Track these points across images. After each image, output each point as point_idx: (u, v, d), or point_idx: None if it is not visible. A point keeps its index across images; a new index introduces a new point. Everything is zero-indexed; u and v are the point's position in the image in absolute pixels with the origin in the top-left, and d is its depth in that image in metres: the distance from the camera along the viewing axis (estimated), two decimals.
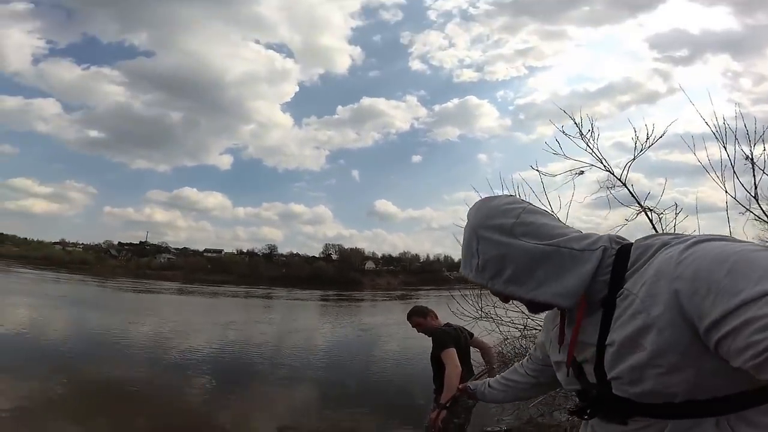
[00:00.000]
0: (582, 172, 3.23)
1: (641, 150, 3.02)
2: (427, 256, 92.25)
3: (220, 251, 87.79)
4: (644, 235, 0.71)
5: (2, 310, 11.09)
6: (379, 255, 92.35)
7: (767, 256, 0.53)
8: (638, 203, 3.01)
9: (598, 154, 3.09)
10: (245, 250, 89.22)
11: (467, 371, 2.87)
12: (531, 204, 0.79)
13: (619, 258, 0.69)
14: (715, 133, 2.63)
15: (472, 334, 3.16)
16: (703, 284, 0.55)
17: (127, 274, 56.70)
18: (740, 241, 0.58)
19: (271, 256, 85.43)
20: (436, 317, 3.05)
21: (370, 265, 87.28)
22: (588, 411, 0.75)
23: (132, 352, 8.50)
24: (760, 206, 2.59)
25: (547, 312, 0.91)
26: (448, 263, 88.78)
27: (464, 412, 2.77)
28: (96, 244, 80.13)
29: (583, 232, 0.75)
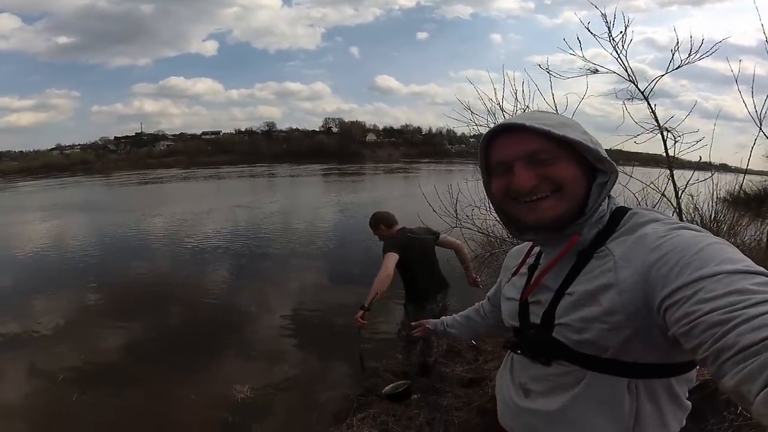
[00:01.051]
0: (596, 71, 2.89)
1: (676, 66, 2.63)
2: (430, 129, 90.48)
3: (218, 132, 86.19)
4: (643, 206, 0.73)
5: (19, 232, 11.07)
6: (381, 128, 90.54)
7: (734, 250, 0.57)
8: (657, 124, 2.71)
9: (625, 63, 2.67)
10: (243, 129, 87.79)
11: (430, 275, 2.93)
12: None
13: (613, 218, 0.72)
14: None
15: (437, 235, 3.05)
16: (673, 258, 0.58)
17: (129, 166, 56.41)
18: (717, 237, 0.62)
19: (270, 133, 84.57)
20: (389, 226, 2.98)
21: (371, 137, 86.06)
22: (522, 348, 0.79)
23: (151, 247, 8.81)
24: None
25: (516, 247, 0.97)
26: (450, 136, 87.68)
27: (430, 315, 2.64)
28: (92, 143, 78.79)
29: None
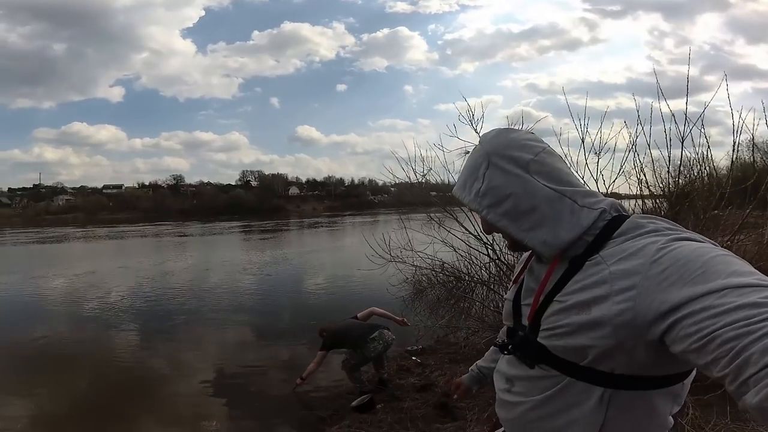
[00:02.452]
0: (467, 152, 4.03)
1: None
2: (352, 179, 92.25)
3: (120, 186, 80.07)
4: (643, 214, 0.73)
5: None
6: (304, 180, 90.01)
7: (741, 262, 0.56)
8: None
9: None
10: (147, 183, 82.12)
11: (359, 329, 3.87)
12: (550, 146, 0.78)
13: (610, 225, 0.70)
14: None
15: (355, 316, 4.16)
16: (675, 272, 0.57)
17: (25, 222, 49.52)
18: (721, 247, 0.61)
19: (177, 186, 79.28)
20: (328, 330, 4.03)
21: (294, 190, 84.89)
22: (509, 348, 0.80)
23: (51, 311, 7.88)
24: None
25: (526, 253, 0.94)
26: (372, 186, 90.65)
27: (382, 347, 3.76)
28: None
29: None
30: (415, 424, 2.81)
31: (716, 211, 3.22)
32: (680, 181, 3.43)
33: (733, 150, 3.00)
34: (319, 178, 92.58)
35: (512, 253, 5.09)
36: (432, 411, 3.00)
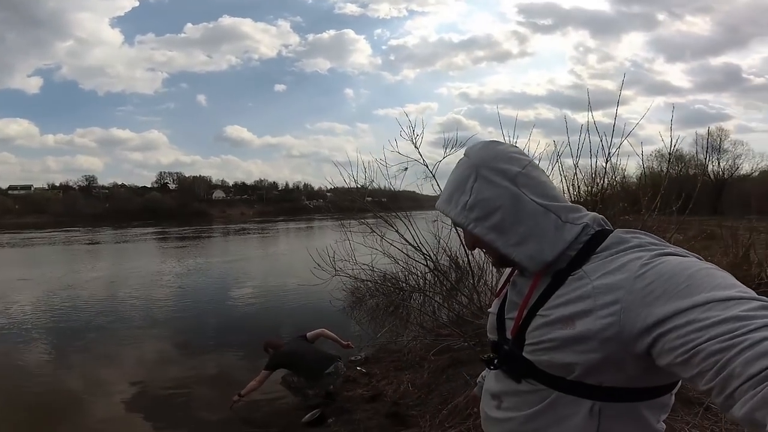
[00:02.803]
0: (406, 169, 4.33)
1: (449, 152, 4.13)
2: (286, 183, 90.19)
3: (29, 187, 71.29)
4: (627, 229, 0.72)
5: None
6: (231, 183, 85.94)
7: (724, 275, 0.57)
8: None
9: (420, 157, 4.34)
10: (58, 184, 73.98)
11: (315, 358, 3.78)
12: (534, 160, 0.79)
13: (593, 240, 0.70)
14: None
15: (304, 335, 4.12)
16: (659, 286, 0.57)
17: None
18: (705, 261, 0.61)
19: (90, 188, 72.73)
20: (276, 347, 3.94)
21: (219, 194, 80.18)
22: (495, 362, 0.79)
23: None
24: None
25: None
26: (308, 191, 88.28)
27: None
28: None
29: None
30: None
31: (628, 217, 3.69)
32: (593, 189, 3.80)
33: (642, 159, 3.53)
34: (250, 181, 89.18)
35: (440, 268, 5.44)
36: (385, 420, 3.05)
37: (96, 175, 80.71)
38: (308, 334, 4.11)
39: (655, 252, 0.63)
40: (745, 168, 27.60)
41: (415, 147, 4.34)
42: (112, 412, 3.90)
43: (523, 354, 0.72)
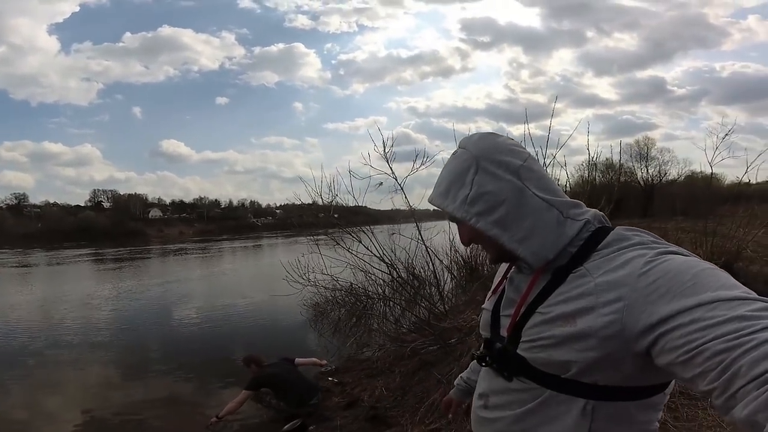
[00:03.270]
0: (381, 184, 4.62)
1: (419, 168, 4.45)
2: (230, 201, 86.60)
3: None
4: (627, 226, 0.71)
5: None
6: (168, 201, 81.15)
7: (727, 276, 0.56)
8: (409, 206, 4.73)
9: (392, 172, 4.65)
10: None
11: (301, 388, 3.81)
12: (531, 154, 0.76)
13: (594, 237, 0.69)
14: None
15: (293, 360, 4.17)
16: (664, 284, 0.57)
17: None
18: (707, 262, 0.60)
19: (20, 207, 66.49)
20: (259, 364, 3.99)
21: (155, 212, 75.63)
22: (487, 359, 0.78)
23: None
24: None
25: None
26: (254, 208, 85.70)
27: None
28: None
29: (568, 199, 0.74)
30: None
31: None
32: None
33: (565, 170, 4.06)
34: (188, 198, 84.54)
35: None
36: (366, 424, 3.18)
37: (27, 192, 74.35)
38: (298, 360, 4.19)
39: (659, 250, 0.63)
40: (672, 173, 31.12)
41: (388, 163, 4.65)
42: None
43: (518, 351, 0.71)
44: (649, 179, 31.98)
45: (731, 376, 0.47)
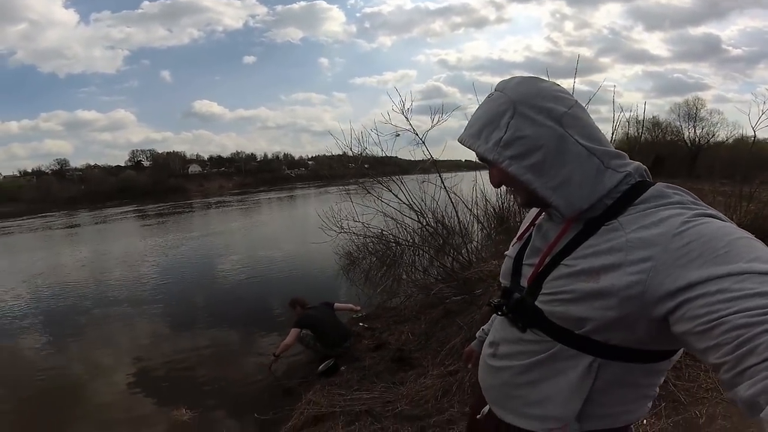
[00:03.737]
0: (398, 135, 4.62)
1: (435, 123, 4.37)
2: (265, 155, 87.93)
3: None
4: (668, 183, 0.67)
5: None
6: (206, 157, 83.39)
7: (765, 249, 0.53)
8: (432, 157, 4.69)
9: (411, 127, 4.57)
10: (30, 170, 71.43)
11: (334, 332, 4.06)
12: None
13: (632, 190, 0.66)
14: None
15: (332, 304, 4.46)
16: (697, 248, 0.54)
17: None
18: (745, 231, 0.57)
19: (63, 172, 70.39)
20: (303, 306, 4.34)
21: (195, 168, 78.17)
22: (503, 308, 0.76)
23: None
24: None
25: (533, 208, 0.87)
26: (288, 161, 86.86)
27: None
28: None
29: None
30: (381, 378, 3.24)
31: None
32: None
33: (614, 124, 3.83)
34: (225, 154, 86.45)
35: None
36: (391, 365, 3.45)
37: (67, 158, 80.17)
38: (336, 305, 4.50)
39: (697, 211, 0.60)
40: (721, 136, 28.65)
41: (406, 119, 4.56)
42: (116, 393, 4.00)
43: (536, 303, 0.70)
44: (697, 140, 29.63)
45: (746, 352, 0.45)
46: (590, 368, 0.66)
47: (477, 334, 1.13)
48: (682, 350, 0.69)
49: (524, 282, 0.75)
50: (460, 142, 0.74)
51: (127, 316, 6.43)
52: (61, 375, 4.53)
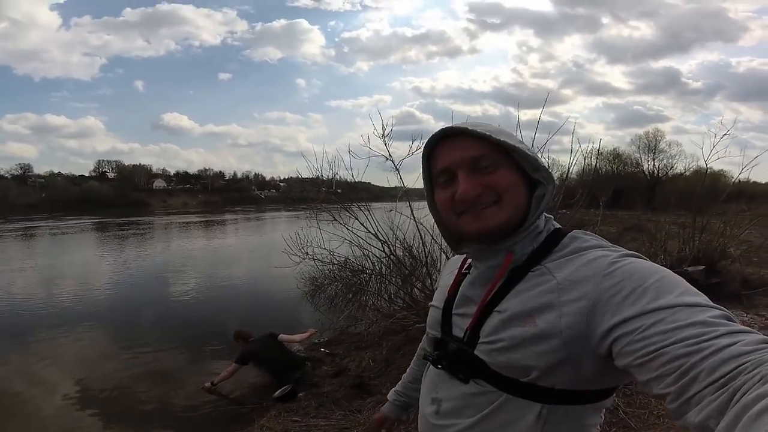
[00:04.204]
0: (386, 159, 4.72)
1: (416, 150, 4.53)
2: (234, 173, 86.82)
3: None
4: (581, 230, 0.70)
5: None
6: (172, 172, 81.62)
7: (688, 283, 0.56)
8: (404, 186, 4.80)
9: (388, 153, 4.57)
10: None
11: (277, 363, 4.00)
12: None
13: (552, 237, 0.69)
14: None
15: (276, 336, 4.35)
16: (628, 285, 0.56)
17: None
18: (672, 272, 0.60)
19: (24, 178, 67.40)
20: (246, 339, 4.30)
21: (159, 183, 75.94)
22: (443, 362, 0.75)
23: None
24: None
25: (451, 259, 0.89)
26: (258, 181, 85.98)
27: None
28: None
29: None
30: (339, 404, 3.17)
31: (564, 210, 4.16)
32: None
33: (571, 155, 4.08)
34: (192, 170, 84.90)
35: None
36: (350, 391, 3.40)
37: (31, 163, 76.83)
38: (281, 336, 4.34)
39: (621, 252, 0.63)
40: (679, 167, 30.58)
41: (384, 144, 4.63)
42: (55, 410, 3.80)
43: (475, 353, 0.69)
44: (656, 172, 31.49)
45: (689, 381, 0.47)
46: (540, 416, 0.64)
47: (389, 397, 1.09)
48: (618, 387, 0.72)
49: (457, 332, 0.74)
50: (469, 128, 0.68)
51: (75, 332, 6.11)
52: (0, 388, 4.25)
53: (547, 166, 0.69)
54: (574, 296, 0.60)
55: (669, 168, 31.25)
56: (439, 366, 0.75)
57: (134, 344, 5.49)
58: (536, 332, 0.61)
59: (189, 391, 4.05)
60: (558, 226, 0.73)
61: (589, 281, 0.59)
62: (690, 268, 4.78)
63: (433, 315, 0.81)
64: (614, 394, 0.70)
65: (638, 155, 32.07)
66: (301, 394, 3.56)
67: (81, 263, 12.20)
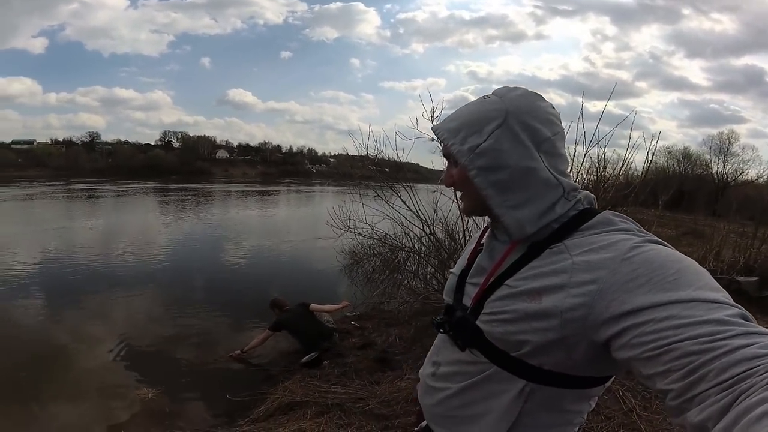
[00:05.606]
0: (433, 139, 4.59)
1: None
2: (290, 147, 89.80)
3: (32, 142, 72.28)
4: (615, 212, 0.67)
5: None
6: (235, 144, 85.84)
7: (710, 276, 0.54)
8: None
9: (435, 135, 4.32)
10: (61, 140, 74.74)
11: (309, 331, 4.10)
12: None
13: (580, 216, 0.67)
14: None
15: (307, 305, 4.42)
16: (645, 273, 0.54)
17: None
18: (695, 262, 0.57)
19: (93, 144, 73.63)
20: (281, 308, 4.46)
21: (222, 153, 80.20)
22: (445, 327, 0.76)
23: None
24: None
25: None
26: (311, 156, 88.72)
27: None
28: None
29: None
30: (360, 375, 3.26)
31: (624, 208, 3.76)
32: (594, 177, 3.92)
33: (647, 153, 3.69)
34: (253, 143, 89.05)
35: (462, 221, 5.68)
36: (373, 364, 3.46)
37: (99, 132, 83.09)
38: (312, 306, 4.42)
39: (645, 237, 0.60)
40: (752, 174, 27.08)
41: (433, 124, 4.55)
42: (94, 363, 3.97)
43: (477, 323, 0.69)
44: (725, 176, 28.23)
45: (697, 379, 0.45)
46: (521, 392, 0.65)
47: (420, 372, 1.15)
48: (613, 377, 0.70)
49: (467, 301, 0.74)
50: (434, 131, 0.74)
51: (126, 291, 6.38)
52: (48, 340, 4.52)
53: (493, 149, 0.67)
54: (586, 279, 0.58)
55: (739, 173, 27.73)
56: (442, 331, 0.77)
57: (180, 308, 5.63)
58: (538, 309, 0.61)
59: (224, 353, 4.26)
60: (592, 205, 0.70)
61: (606, 265, 0.57)
62: (741, 279, 4.30)
63: (450, 282, 0.82)
64: (603, 386, 0.68)
65: (708, 156, 28.70)
66: (326, 362, 3.69)
67: (141, 226, 12.93)
